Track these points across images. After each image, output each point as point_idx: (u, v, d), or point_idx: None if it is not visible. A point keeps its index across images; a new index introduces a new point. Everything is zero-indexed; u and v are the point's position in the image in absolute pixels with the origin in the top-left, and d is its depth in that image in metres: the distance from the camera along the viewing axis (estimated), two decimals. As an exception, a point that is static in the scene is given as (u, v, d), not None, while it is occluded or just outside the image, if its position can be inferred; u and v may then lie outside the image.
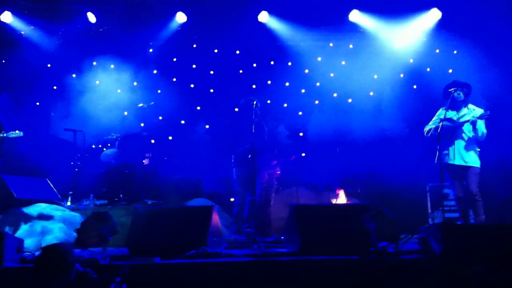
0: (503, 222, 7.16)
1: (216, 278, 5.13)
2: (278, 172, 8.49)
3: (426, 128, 7.44)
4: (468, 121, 7.10)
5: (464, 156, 7.13)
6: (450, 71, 9.89)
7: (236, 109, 8.23)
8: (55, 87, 10.72)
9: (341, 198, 9.04)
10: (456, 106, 7.33)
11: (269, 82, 10.97)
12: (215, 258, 5.50)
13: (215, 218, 6.15)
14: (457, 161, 7.14)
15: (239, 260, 5.44)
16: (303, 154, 10.18)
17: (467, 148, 7.15)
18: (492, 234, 5.44)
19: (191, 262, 5.33)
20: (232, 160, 8.08)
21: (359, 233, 5.57)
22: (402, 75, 10.43)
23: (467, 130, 7.17)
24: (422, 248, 5.59)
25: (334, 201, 9.00)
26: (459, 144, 7.18)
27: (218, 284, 5.10)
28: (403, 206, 8.22)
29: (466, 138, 7.17)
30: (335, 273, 5.12)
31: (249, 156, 7.22)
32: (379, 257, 5.25)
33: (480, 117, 7.01)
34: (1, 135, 8.21)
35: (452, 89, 7.18)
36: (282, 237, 6.78)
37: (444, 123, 7.07)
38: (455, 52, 10.10)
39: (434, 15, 9.76)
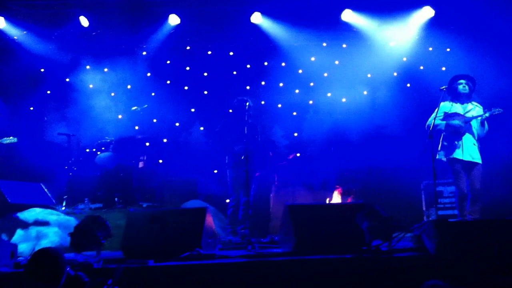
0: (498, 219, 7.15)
1: (210, 280, 5.13)
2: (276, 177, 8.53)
3: (430, 123, 7.08)
4: (479, 116, 6.95)
5: (472, 152, 7.02)
6: (444, 69, 9.91)
7: (230, 111, 8.23)
8: (48, 92, 10.70)
9: (336, 197, 9.05)
10: (461, 99, 7.18)
11: (263, 83, 10.98)
12: (209, 259, 5.49)
13: (209, 219, 6.16)
14: (466, 157, 7.00)
15: (233, 261, 5.43)
16: (298, 154, 10.19)
17: (475, 144, 7.05)
18: (486, 231, 5.44)
19: (185, 264, 5.32)
20: (226, 161, 8.09)
21: (353, 232, 5.58)
22: (395, 74, 10.45)
23: (474, 126, 7.05)
24: (416, 246, 5.59)
25: (329, 200, 9.01)
26: (468, 140, 7.04)
27: (212, 286, 5.10)
28: (398, 204, 8.22)
29: (474, 134, 7.06)
30: (329, 272, 5.12)
31: (243, 157, 7.22)
32: (373, 256, 5.26)
33: (492, 113, 6.87)
34: (-5, 141, 8.21)
35: (443, 87, 7.05)
36: (277, 237, 6.79)
37: (452, 122, 6.99)
38: (448, 50, 10.12)
39: (426, 13, 9.77)
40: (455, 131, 7.07)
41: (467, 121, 7.07)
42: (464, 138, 7.07)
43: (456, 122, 7.06)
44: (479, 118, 6.99)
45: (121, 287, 4.40)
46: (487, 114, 6.94)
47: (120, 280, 4.20)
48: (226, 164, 8.11)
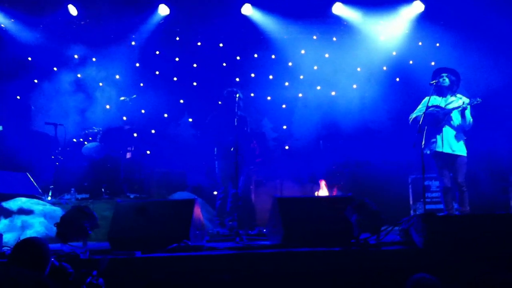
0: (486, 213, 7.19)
1: (197, 271, 5.11)
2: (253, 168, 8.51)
3: (412, 116, 7.20)
4: (458, 107, 6.87)
5: (452, 144, 6.95)
6: (433, 63, 9.91)
7: (220, 102, 8.18)
8: (36, 81, 10.58)
9: (324, 190, 9.06)
10: (442, 92, 7.10)
11: (252, 75, 10.95)
12: (197, 251, 5.47)
13: (197, 211, 6.13)
14: (446, 149, 6.94)
15: (221, 253, 5.42)
16: (287, 147, 10.19)
17: (455, 136, 6.96)
18: (474, 225, 5.46)
19: (173, 256, 5.29)
20: (215, 153, 8.05)
21: (341, 225, 5.58)
22: (385, 68, 10.47)
23: (455, 117, 6.98)
24: (403, 239, 5.61)
25: (317, 193, 9.02)
26: (448, 131, 6.98)
27: (200, 277, 5.07)
28: (385, 197, 8.23)
29: (454, 125, 6.98)
30: (317, 265, 5.12)
31: (232, 149, 7.18)
32: (361, 249, 5.27)
33: (470, 103, 6.80)
34: (-19, 129, 8.11)
35: (434, 81, 7.05)
36: (265, 230, 6.78)
37: (431, 109, 6.92)
38: (437, 44, 10.15)
39: (417, 8, 9.79)
40: (433, 121, 6.99)
41: (446, 113, 6.98)
42: (444, 130, 6.99)
43: (433, 109, 6.98)
44: (459, 109, 6.92)
45: (108, 278, 4.37)
46: (464, 105, 6.85)
47: (106, 271, 4.17)
48: (215, 156, 8.07)
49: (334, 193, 9.06)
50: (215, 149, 8.07)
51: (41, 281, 3.35)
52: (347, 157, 9.56)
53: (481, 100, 6.80)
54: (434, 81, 7.03)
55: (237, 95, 7.77)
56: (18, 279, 3.29)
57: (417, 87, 9.03)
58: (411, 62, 10.33)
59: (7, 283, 3.25)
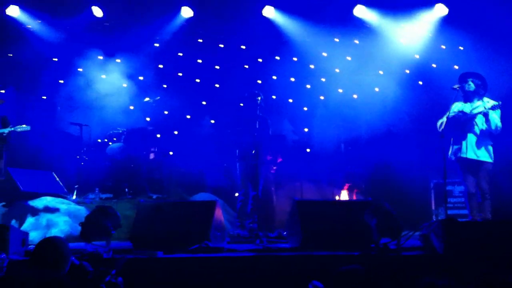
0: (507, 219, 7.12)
1: (218, 273, 5.17)
2: (274, 168, 8.53)
3: (439, 122, 7.18)
4: (480, 112, 6.87)
5: (476, 150, 6.93)
6: (456, 67, 9.82)
7: (242, 104, 8.23)
8: (61, 81, 10.75)
9: (345, 194, 9.06)
10: (469, 98, 7.10)
11: (274, 77, 10.96)
12: (217, 253, 5.55)
13: (218, 213, 6.20)
14: (470, 155, 6.93)
15: (241, 255, 5.48)
16: (308, 150, 10.19)
17: (480, 141, 6.93)
18: (495, 232, 5.43)
19: (194, 257, 5.37)
20: (237, 154, 8.10)
21: (360, 229, 5.59)
22: (407, 71, 10.38)
23: (480, 122, 6.95)
24: (424, 245, 5.60)
25: (337, 197, 9.02)
26: (471, 137, 6.96)
27: (219, 279, 5.13)
28: (407, 202, 8.24)
29: (478, 131, 6.95)
30: (336, 269, 5.14)
31: (253, 151, 7.23)
32: (380, 254, 5.27)
33: (492, 108, 6.78)
34: (8, 129, 8.27)
35: (456, 86, 7.04)
36: (285, 232, 6.81)
37: (455, 115, 6.94)
38: (461, 48, 10.04)
39: (439, 11, 9.72)
40: (457, 125, 6.99)
41: (470, 118, 6.97)
42: (468, 135, 6.99)
43: (458, 117, 7.01)
44: (481, 113, 6.90)
45: (130, 277, 4.45)
46: (485, 109, 6.84)
47: (128, 270, 4.25)
48: (236, 157, 8.13)
49: (355, 197, 9.05)
50: (236, 150, 8.13)
51: (59, 280, 3.44)
52: (368, 160, 9.53)
53: (501, 102, 6.77)
54: (457, 86, 7.00)
55: (259, 98, 7.82)
56: (37, 278, 3.38)
57: (440, 91, 8.96)
58: (434, 65, 10.23)
59: (26, 282, 3.35)
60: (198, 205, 6.78)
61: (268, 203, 8.03)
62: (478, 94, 7.12)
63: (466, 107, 7.13)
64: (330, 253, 5.33)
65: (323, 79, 10.76)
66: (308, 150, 10.19)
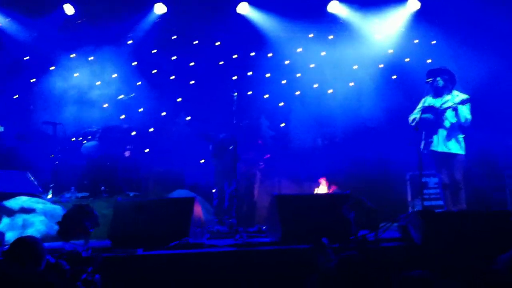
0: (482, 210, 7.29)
1: (198, 268, 5.17)
2: (262, 164, 8.53)
3: (411, 117, 7.41)
4: (449, 107, 7.08)
5: (448, 143, 7.14)
6: (429, 61, 9.95)
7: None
8: (33, 80, 10.58)
9: (323, 188, 9.12)
10: (438, 93, 7.32)
11: (249, 73, 10.96)
12: (197, 248, 5.53)
13: (197, 209, 6.20)
14: (441, 148, 7.15)
15: (221, 250, 5.49)
16: (284, 145, 10.21)
17: (450, 135, 7.14)
18: (471, 222, 5.54)
19: (174, 253, 5.36)
20: (210, 150, 8.06)
21: (339, 222, 5.64)
22: (381, 66, 10.50)
23: (450, 116, 7.15)
24: (402, 236, 5.68)
25: (316, 191, 9.07)
26: (442, 132, 7.18)
27: (200, 274, 5.13)
28: (383, 194, 8.34)
29: (448, 125, 7.15)
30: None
31: (231, 147, 7.23)
32: (359, 245, 5.32)
33: (461, 102, 6.99)
34: (-19, 130, 8.14)
35: (429, 79, 7.24)
36: (264, 227, 6.83)
37: (424, 115, 7.12)
38: (433, 42, 10.19)
39: (412, 6, 9.87)
40: (429, 124, 7.21)
41: (440, 113, 7.17)
42: (440, 130, 7.20)
43: (427, 115, 7.19)
44: (451, 108, 7.09)
45: (110, 275, 4.43)
46: (454, 104, 7.05)
47: (104, 268, 4.24)
48: (210, 153, 8.09)
49: (333, 189, 9.12)
50: (210, 146, 8.09)
51: (41, 277, 3.42)
52: (345, 154, 9.61)
53: (470, 96, 6.97)
54: (429, 79, 7.19)
55: (235, 94, 7.80)
56: (18, 277, 3.36)
57: (414, 85, 9.05)
58: (407, 60, 10.36)
59: (7, 280, 3.33)
60: (176, 202, 6.75)
61: (247, 199, 8.03)
62: (447, 89, 7.34)
63: (437, 102, 7.31)
64: (310, 246, 5.35)
65: (298, 75, 10.79)
66: (284, 145, 10.21)
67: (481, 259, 4.95)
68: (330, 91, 10.63)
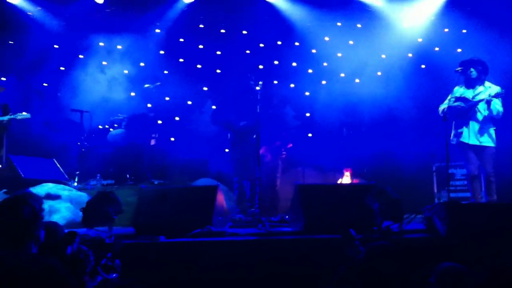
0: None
1: (220, 257, 5.17)
2: (284, 153, 8.48)
3: (441, 108, 7.24)
4: (482, 100, 6.93)
5: (479, 137, 7.00)
6: (459, 50, 9.76)
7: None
8: (62, 68, 10.72)
9: (347, 178, 9.04)
10: (471, 84, 7.16)
11: (276, 62, 10.90)
12: (220, 237, 5.53)
13: (220, 197, 6.19)
14: (472, 141, 7.01)
15: (243, 239, 5.48)
16: (310, 135, 10.15)
17: (482, 128, 7.00)
18: (498, 214, 5.42)
19: (196, 241, 5.37)
20: (229, 139, 8.05)
21: (363, 212, 5.57)
22: (410, 55, 10.32)
23: (482, 108, 7.00)
24: (427, 227, 5.59)
25: (339, 181, 9.00)
26: (474, 124, 7.03)
27: (222, 262, 5.14)
28: (409, 185, 8.22)
29: (481, 118, 7.00)
30: (339, 252, 5.13)
31: (254, 136, 7.19)
32: (383, 236, 5.25)
33: (495, 96, 6.86)
34: (8, 116, 8.27)
35: (459, 68, 7.06)
36: (287, 217, 6.80)
37: (457, 103, 6.99)
38: (464, 31, 9.96)
39: (443, -6, 9.66)
40: (459, 114, 7.07)
41: (473, 105, 7.03)
42: (471, 122, 7.06)
43: (457, 103, 7.05)
44: (484, 100, 6.93)
45: (132, 262, 4.46)
46: (489, 97, 6.89)
47: (127, 255, 4.27)
48: (229, 141, 8.07)
49: (357, 181, 9.03)
50: (228, 135, 8.08)
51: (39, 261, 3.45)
52: (371, 145, 9.50)
53: (504, 90, 6.79)
54: (459, 68, 7.03)
55: (260, 83, 7.74)
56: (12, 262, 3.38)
57: (443, 75, 8.91)
58: (437, 49, 10.16)
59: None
60: (200, 190, 6.78)
61: (271, 189, 8.00)
62: (479, 80, 7.17)
63: (469, 93, 7.15)
64: (333, 236, 5.31)
65: (325, 64, 10.69)
66: (310, 135, 10.15)
67: (506, 251, 4.86)
68: (357, 80, 10.51)
